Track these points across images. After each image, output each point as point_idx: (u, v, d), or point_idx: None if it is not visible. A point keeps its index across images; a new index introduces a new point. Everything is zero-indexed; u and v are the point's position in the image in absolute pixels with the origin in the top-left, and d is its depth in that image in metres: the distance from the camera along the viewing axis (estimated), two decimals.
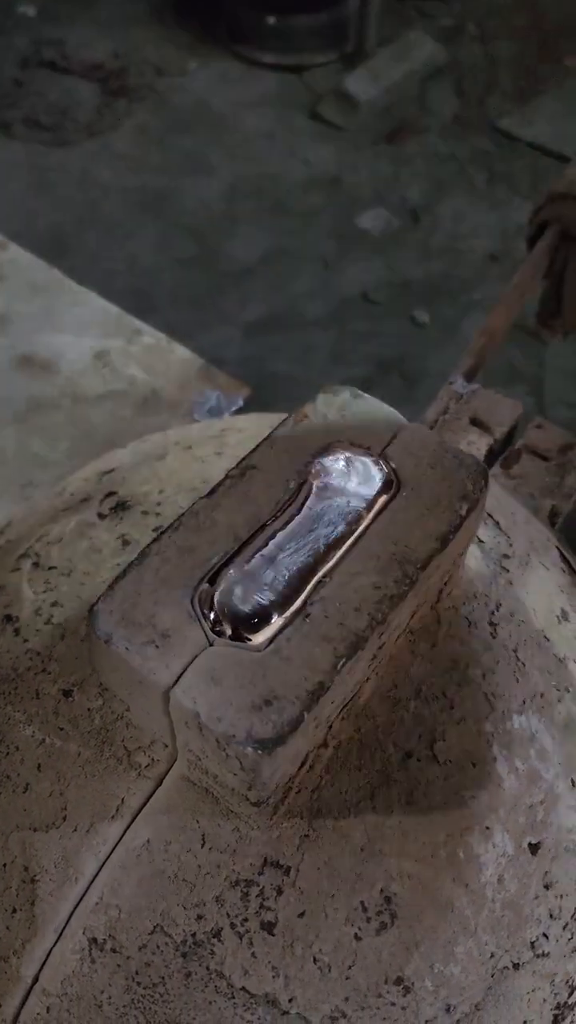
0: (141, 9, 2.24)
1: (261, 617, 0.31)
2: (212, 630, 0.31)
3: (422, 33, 2.15)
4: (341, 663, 0.31)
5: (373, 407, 0.37)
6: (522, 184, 1.88)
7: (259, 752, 0.29)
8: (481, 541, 0.42)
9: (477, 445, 0.58)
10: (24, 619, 0.39)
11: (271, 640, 0.31)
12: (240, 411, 0.70)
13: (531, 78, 2.10)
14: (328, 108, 2.02)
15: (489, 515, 0.44)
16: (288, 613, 0.31)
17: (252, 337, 1.60)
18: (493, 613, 0.39)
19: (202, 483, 0.42)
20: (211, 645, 0.31)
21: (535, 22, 2.23)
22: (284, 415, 0.41)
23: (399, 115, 2.01)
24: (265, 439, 0.36)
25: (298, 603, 0.31)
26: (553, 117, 2.02)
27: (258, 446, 0.36)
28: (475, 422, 0.60)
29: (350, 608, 0.32)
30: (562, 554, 0.46)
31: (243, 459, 0.35)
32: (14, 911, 0.34)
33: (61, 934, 0.33)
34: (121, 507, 0.42)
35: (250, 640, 0.31)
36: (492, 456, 0.59)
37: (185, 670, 0.30)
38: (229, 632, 0.31)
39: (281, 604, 0.31)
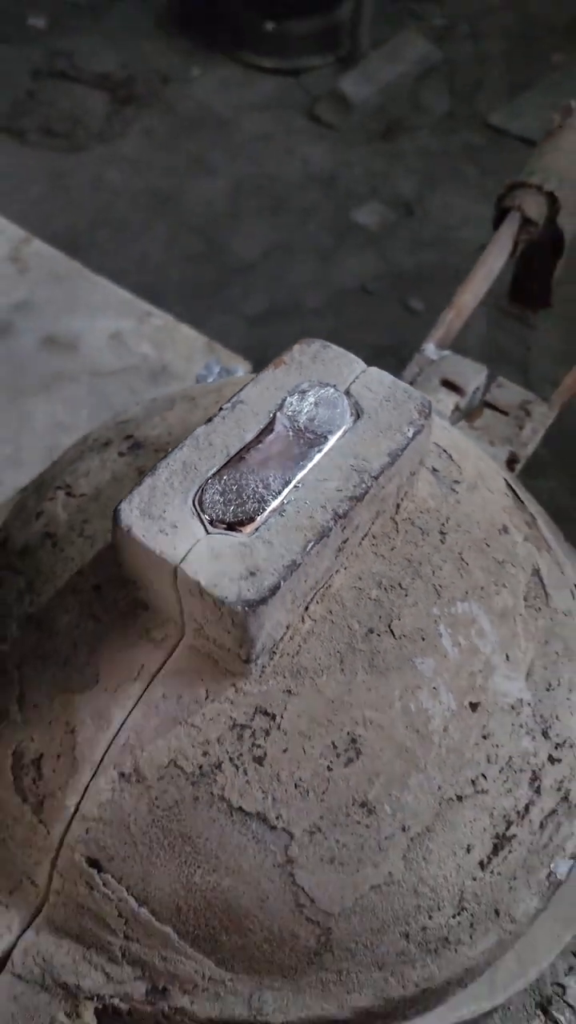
0: (146, 20, 2.33)
1: (247, 514, 0.40)
2: (209, 523, 0.40)
3: (414, 33, 2.23)
4: (310, 546, 0.39)
5: (340, 355, 0.46)
6: (511, 176, 1.97)
7: (246, 610, 0.37)
8: (436, 470, 0.50)
9: (445, 403, 0.67)
10: (60, 535, 0.48)
11: (256, 530, 0.40)
12: None
13: (520, 74, 2.18)
14: (324, 109, 2.10)
15: (444, 450, 0.52)
16: (269, 509, 0.40)
17: (254, 327, 1.69)
18: (443, 524, 0.48)
19: None
20: (208, 534, 0.39)
21: (524, 21, 2.31)
22: None
23: (393, 114, 2.10)
24: (251, 380, 0.45)
25: (277, 502, 0.40)
26: (541, 111, 2.09)
27: (245, 385, 0.44)
28: (445, 383, 0.68)
29: (317, 506, 0.40)
30: (508, 484, 0.55)
31: (233, 396, 0.44)
32: (59, 756, 0.43)
33: (96, 771, 0.42)
34: (137, 446, 0.51)
35: (240, 531, 0.40)
36: (459, 412, 0.67)
37: (190, 551, 0.39)
38: (226, 524, 0.39)
39: (264, 503, 0.40)
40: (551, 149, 0.79)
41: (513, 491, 0.54)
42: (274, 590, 0.38)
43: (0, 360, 0.79)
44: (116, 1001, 0.44)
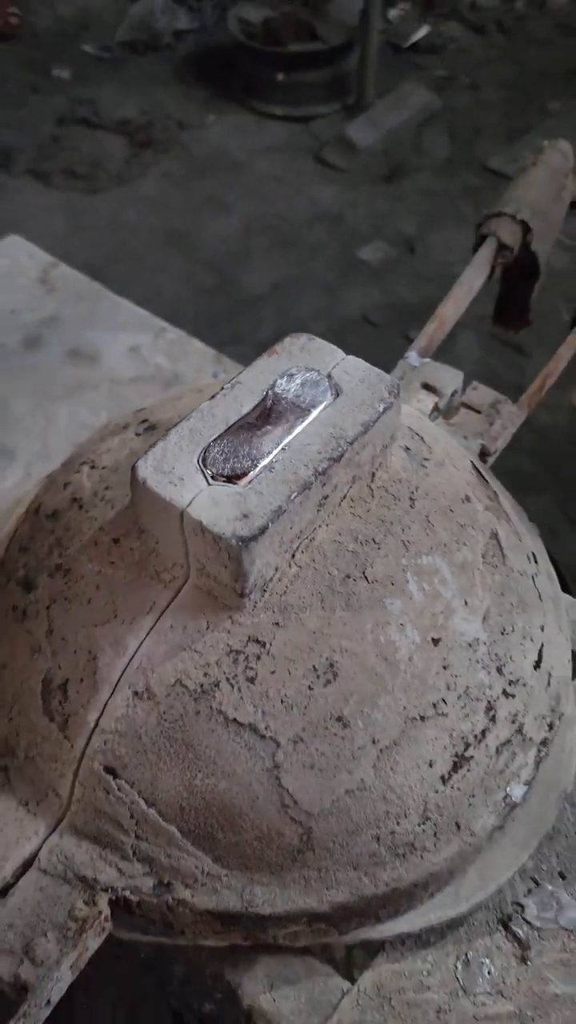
0: (164, 71, 2.48)
1: (242, 469, 0.48)
2: (210, 477, 0.48)
3: (417, 84, 2.36)
4: (294, 495, 0.47)
5: (323, 346, 0.54)
6: None
7: (240, 544, 0.45)
8: (408, 448, 0.58)
9: (425, 403, 0.75)
10: (86, 499, 0.57)
11: (249, 483, 0.48)
12: None
13: (518, 120, 2.30)
14: (331, 153, 2.23)
15: (416, 433, 0.60)
16: (260, 466, 0.48)
17: None
18: (413, 492, 0.56)
19: None
20: (209, 485, 0.48)
21: (521, 71, 2.44)
22: None
23: (396, 157, 2.22)
24: (249, 365, 0.53)
25: (267, 461, 0.48)
26: None
27: (244, 370, 0.53)
28: (425, 386, 0.76)
29: (301, 464, 0.49)
30: (474, 465, 0.63)
31: (233, 378, 0.52)
32: (82, 679, 0.51)
33: (114, 690, 0.50)
34: (151, 428, 0.60)
35: (236, 483, 0.48)
36: (437, 411, 0.76)
37: (194, 498, 0.47)
38: (224, 478, 0.48)
39: (256, 461, 0.48)
40: (524, 183, 0.88)
41: (478, 471, 0.62)
42: (263, 530, 0.46)
43: (30, 369, 0.88)
44: (127, 894, 0.51)
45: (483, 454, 0.73)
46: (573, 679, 0.67)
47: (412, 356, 0.78)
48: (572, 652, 0.66)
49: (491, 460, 0.74)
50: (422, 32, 2.60)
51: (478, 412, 0.75)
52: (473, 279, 0.84)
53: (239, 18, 2.47)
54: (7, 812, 0.53)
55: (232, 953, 0.56)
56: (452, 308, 0.82)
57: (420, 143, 2.30)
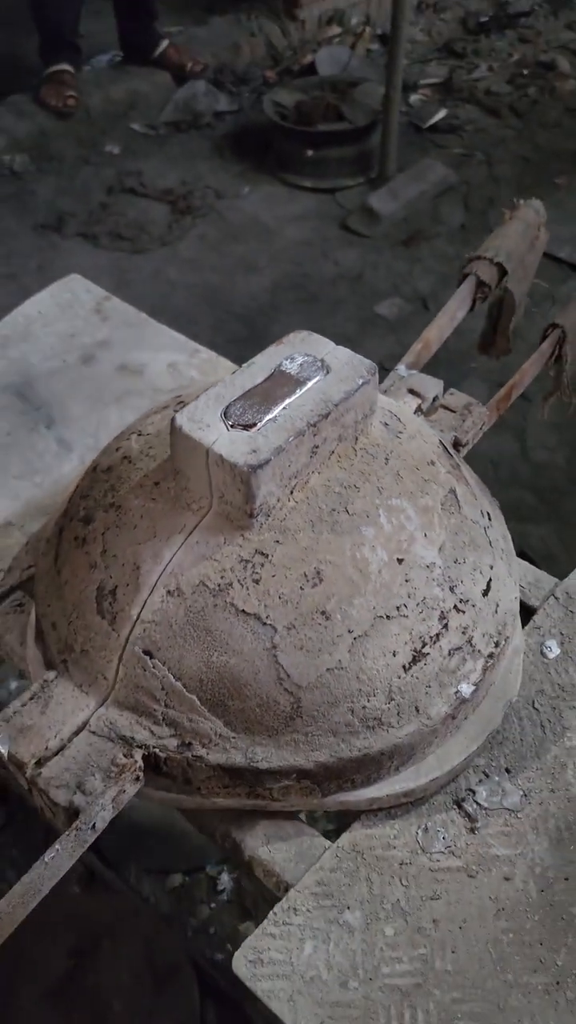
0: (204, 147, 2.74)
1: (254, 420, 0.64)
2: (230, 426, 0.64)
3: (435, 160, 2.59)
4: (290, 439, 0.63)
5: (319, 339, 0.71)
6: None
7: (249, 470, 0.61)
8: (387, 424, 0.74)
9: (411, 404, 0.91)
10: (134, 457, 0.73)
11: (258, 430, 0.64)
12: None
13: (528, 194, 2.50)
14: (355, 220, 2.44)
15: (395, 414, 0.76)
16: (267, 418, 0.64)
17: None
18: (388, 454, 0.71)
19: None
20: (228, 431, 0.64)
21: (533, 150, 2.66)
22: None
23: (414, 225, 2.43)
24: (262, 352, 0.70)
25: (272, 415, 0.65)
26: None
27: (259, 355, 0.70)
28: (411, 391, 0.92)
29: (297, 418, 0.65)
30: (442, 443, 0.78)
31: (250, 361, 0.69)
32: (128, 584, 0.66)
33: (152, 590, 0.65)
34: (185, 405, 0.76)
35: (249, 430, 0.64)
36: (420, 411, 0.92)
37: (217, 439, 0.63)
38: (240, 426, 0.64)
39: (264, 415, 0.64)
40: (502, 234, 1.06)
41: (444, 447, 0.78)
42: (267, 461, 0.62)
43: (86, 380, 1.06)
44: (157, 751, 0.65)
45: (456, 444, 0.89)
46: (524, 626, 0.81)
47: (401, 368, 0.95)
48: (521, 602, 0.81)
49: (464, 451, 0.90)
50: (440, 114, 2.85)
51: (453, 412, 0.91)
52: (455, 309, 1.01)
53: (273, 101, 2.73)
54: (65, 691, 0.68)
55: (237, 817, 0.70)
56: (436, 331, 0.99)
57: (437, 213, 2.51)
